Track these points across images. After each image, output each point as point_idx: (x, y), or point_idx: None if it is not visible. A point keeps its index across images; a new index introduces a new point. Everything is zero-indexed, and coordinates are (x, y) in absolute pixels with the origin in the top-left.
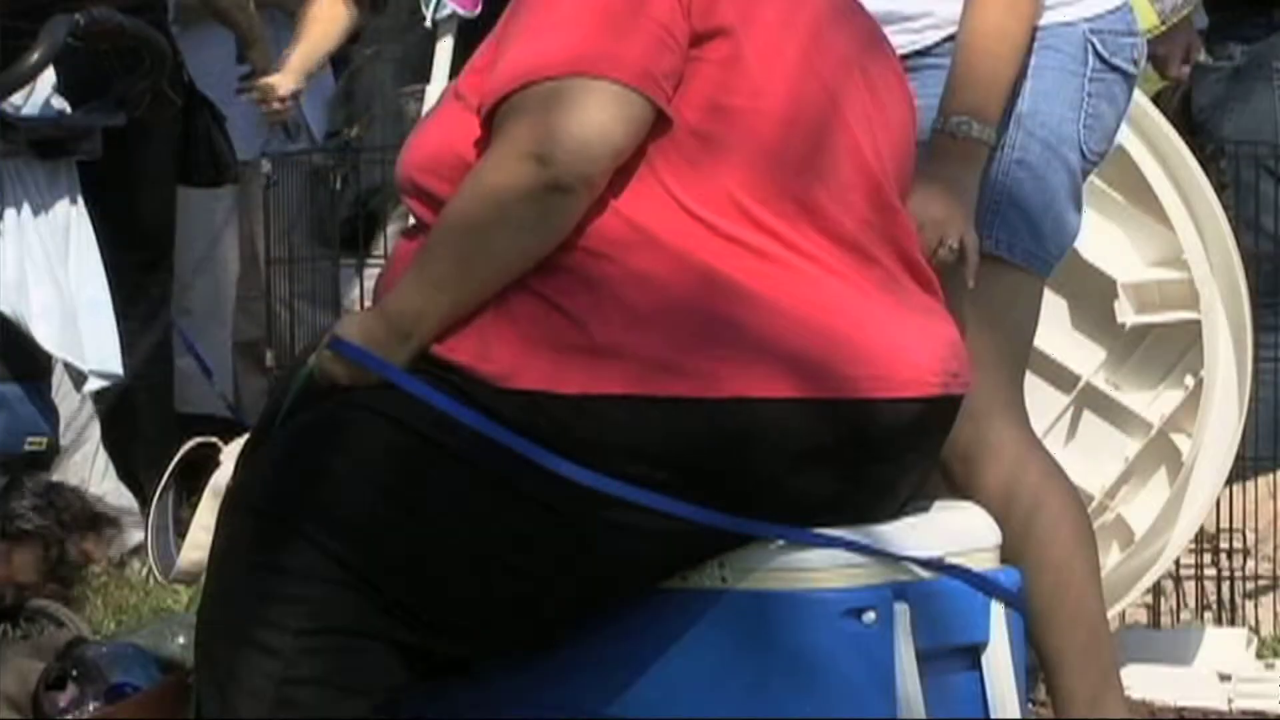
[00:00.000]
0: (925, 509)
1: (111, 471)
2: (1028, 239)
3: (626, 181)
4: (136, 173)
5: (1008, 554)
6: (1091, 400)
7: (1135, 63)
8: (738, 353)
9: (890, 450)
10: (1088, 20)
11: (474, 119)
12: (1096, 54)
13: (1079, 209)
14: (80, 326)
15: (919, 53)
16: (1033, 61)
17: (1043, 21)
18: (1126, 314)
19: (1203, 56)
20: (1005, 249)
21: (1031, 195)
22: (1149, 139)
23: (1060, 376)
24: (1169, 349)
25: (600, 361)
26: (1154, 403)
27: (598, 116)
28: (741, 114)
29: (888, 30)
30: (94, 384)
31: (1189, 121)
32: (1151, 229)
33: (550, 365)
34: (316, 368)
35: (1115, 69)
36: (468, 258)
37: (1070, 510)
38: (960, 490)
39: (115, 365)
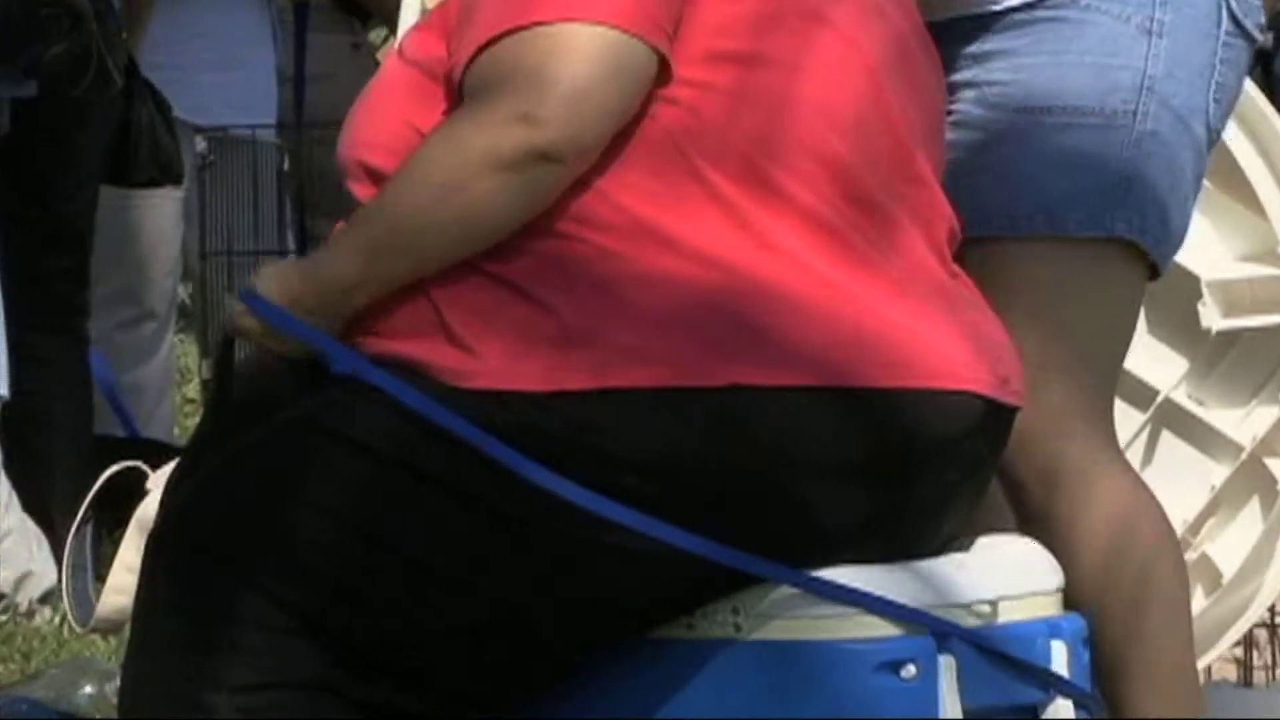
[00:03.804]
0: (971, 544)
1: (15, 503)
2: (1156, 225)
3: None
4: (61, 161)
5: (1083, 594)
6: (1171, 419)
7: (1261, 28)
8: (729, 335)
9: (933, 459)
10: None
11: (427, 83)
12: (1230, 14)
13: (1195, 197)
14: None
15: (1029, 4)
16: (1163, 18)
17: None
18: (1212, 317)
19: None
20: (1137, 232)
21: (1162, 174)
22: (1239, 114)
23: (1135, 391)
24: (1262, 358)
25: (568, 351)
26: (1244, 421)
27: (594, 70)
28: (745, 61)
29: None
30: None
31: (1272, 92)
32: (1241, 218)
33: (512, 358)
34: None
35: (1245, 33)
36: (428, 223)
37: (1166, 545)
38: (1035, 517)
39: (1, 386)
